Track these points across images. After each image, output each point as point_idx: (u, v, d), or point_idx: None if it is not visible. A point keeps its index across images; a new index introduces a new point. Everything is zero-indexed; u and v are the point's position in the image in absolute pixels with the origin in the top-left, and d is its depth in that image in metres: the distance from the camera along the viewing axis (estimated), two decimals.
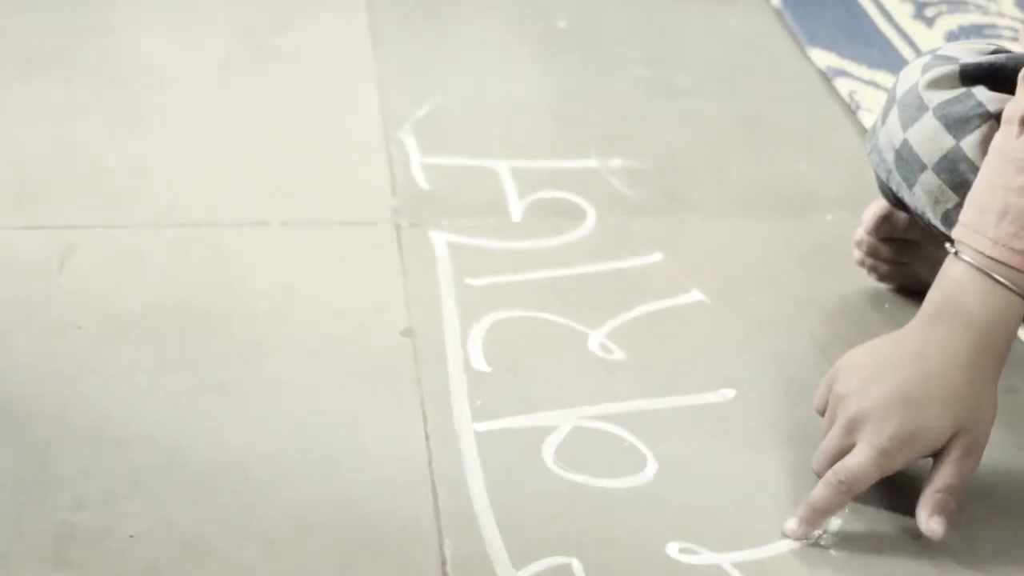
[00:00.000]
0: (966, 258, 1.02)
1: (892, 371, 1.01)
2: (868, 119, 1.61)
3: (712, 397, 1.18)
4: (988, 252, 1.01)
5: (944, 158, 1.10)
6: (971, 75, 1.11)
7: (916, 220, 1.18)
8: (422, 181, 1.48)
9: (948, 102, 1.10)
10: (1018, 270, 1.00)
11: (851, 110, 1.64)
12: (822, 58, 1.74)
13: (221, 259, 1.34)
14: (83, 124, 1.55)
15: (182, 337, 1.22)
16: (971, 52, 1.13)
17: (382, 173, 1.49)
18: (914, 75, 1.13)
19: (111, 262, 1.33)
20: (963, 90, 1.10)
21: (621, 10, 1.86)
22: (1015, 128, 1.02)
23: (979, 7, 1.88)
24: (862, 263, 1.32)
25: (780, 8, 1.87)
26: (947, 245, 1.04)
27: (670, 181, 1.50)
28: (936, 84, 1.11)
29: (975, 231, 1.02)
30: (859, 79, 1.69)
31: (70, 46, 1.70)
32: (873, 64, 1.73)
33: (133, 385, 1.15)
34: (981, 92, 1.09)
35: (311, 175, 1.48)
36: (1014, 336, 1.03)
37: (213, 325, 1.23)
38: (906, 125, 1.12)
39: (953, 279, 1.02)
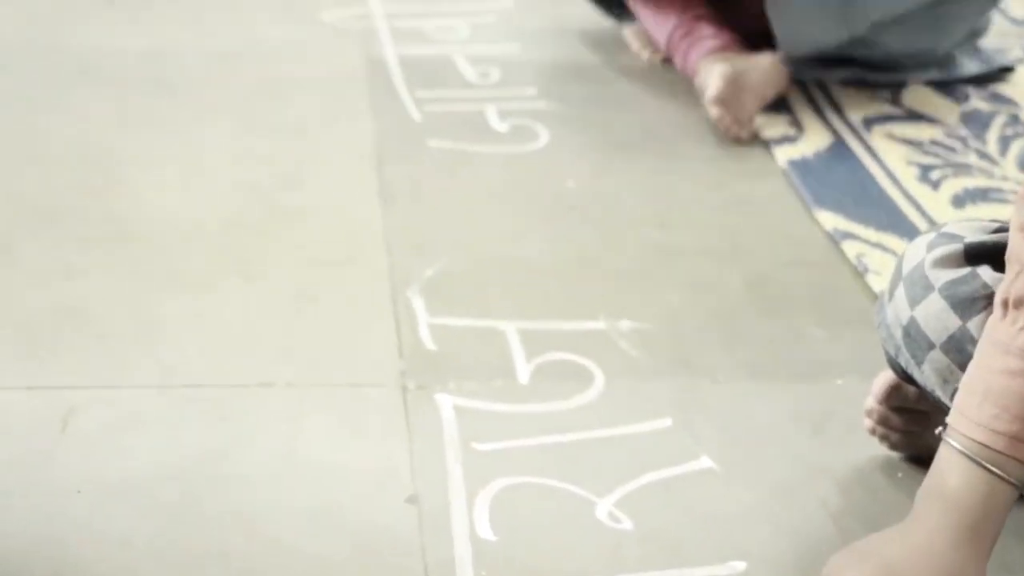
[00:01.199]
0: (952, 441, 1.02)
1: (879, 549, 1.02)
2: (876, 282, 1.59)
3: (721, 570, 1.15)
4: (971, 434, 1.02)
5: (951, 338, 1.10)
6: (975, 254, 1.11)
7: (926, 394, 1.16)
8: (429, 342, 1.46)
9: (954, 282, 1.10)
10: (1000, 452, 1.00)
11: (859, 273, 1.62)
12: (829, 220, 1.73)
13: (224, 422, 1.31)
14: (90, 282, 1.54)
15: (182, 503, 1.19)
16: (975, 230, 1.13)
17: (389, 333, 1.47)
18: (920, 252, 1.13)
19: (113, 424, 1.30)
20: (968, 270, 1.10)
21: (630, 170, 1.86)
22: (999, 311, 1.03)
23: (983, 171, 1.87)
24: (873, 432, 1.30)
25: (787, 170, 1.86)
26: (937, 429, 1.05)
27: (679, 344, 1.48)
28: (942, 263, 1.11)
29: (961, 413, 1.03)
30: (867, 241, 1.68)
31: (81, 205, 1.70)
32: (880, 227, 1.71)
33: (129, 555, 1.12)
34: (986, 272, 1.09)
35: (318, 335, 1.46)
36: (1003, 517, 1.02)
37: (214, 491, 1.21)
38: (913, 303, 1.12)
39: (941, 461, 1.03)
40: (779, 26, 1.94)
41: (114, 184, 1.76)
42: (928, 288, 1.11)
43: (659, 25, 2.07)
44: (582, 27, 2.33)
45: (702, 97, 1.94)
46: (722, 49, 1.99)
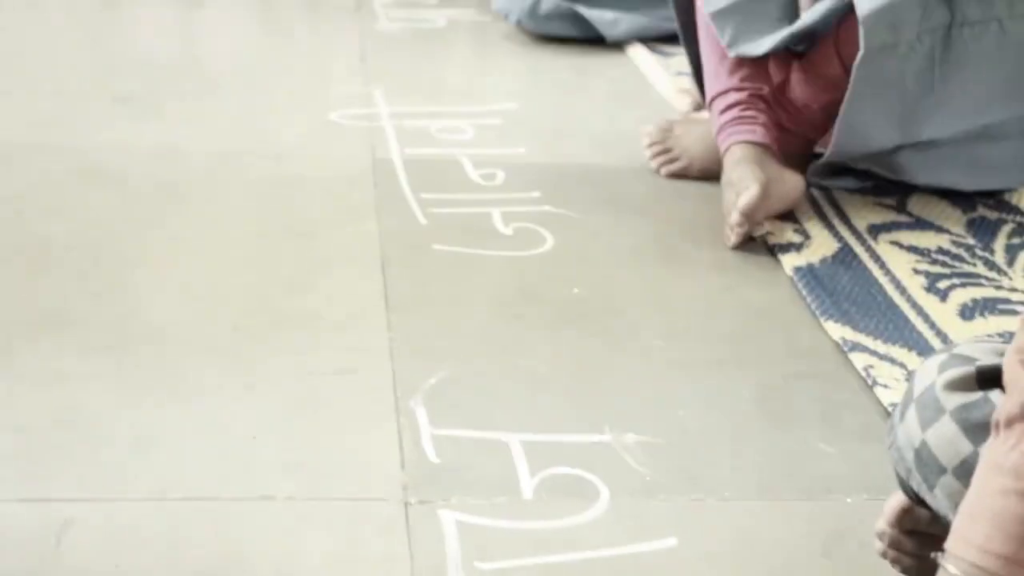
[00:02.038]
0: (947, 564, 1.00)
1: None
2: (885, 395, 1.56)
3: None
4: (966, 556, 0.99)
5: (963, 463, 1.08)
6: (988, 378, 1.09)
7: (939, 518, 1.14)
8: (432, 454, 1.43)
9: (966, 406, 1.08)
10: (995, 574, 0.97)
11: (868, 385, 1.59)
12: (837, 330, 1.71)
13: (223, 536, 1.28)
14: (89, 391, 1.51)
15: None
16: (988, 352, 1.11)
17: (392, 445, 1.44)
18: (931, 374, 1.12)
19: (110, 538, 1.27)
20: (980, 395, 1.08)
21: (636, 276, 1.84)
22: (993, 432, 1.01)
23: (992, 280, 1.85)
24: (884, 555, 1.26)
25: (794, 278, 1.84)
26: (933, 553, 1.02)
27: (685, 459, 1.45)
28: (953, 386, 1.09)
29: (957, 535, 1.00)
30: (875, 353, 1.65)
31: (83, 310, 1.67)
32: (889, 338, 1.69)
33: None
34: (998, 397, 1.07)
35: (320, 447, 1.43)
36: None
37: None
38: (924, 426, 1.10)
39: None
40: (844, 126, 1.91)
41: (115, 287, 1.74)
42: (940, 411, 1.09)
43: (716, 76, 2.04)
44: (588, 129, 2.34)
45: (726, 182, 1.93)
46: (761, 146, 1.97)
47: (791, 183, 1.95)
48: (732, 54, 1.97)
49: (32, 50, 2.67)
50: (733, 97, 2.00)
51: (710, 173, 2.04)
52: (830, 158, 1.96)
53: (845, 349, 1.66)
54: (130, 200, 1.97)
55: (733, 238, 1.88)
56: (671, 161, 2.08)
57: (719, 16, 1.98)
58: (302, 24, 2.94)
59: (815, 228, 1.97)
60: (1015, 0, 1.86)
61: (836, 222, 1.99)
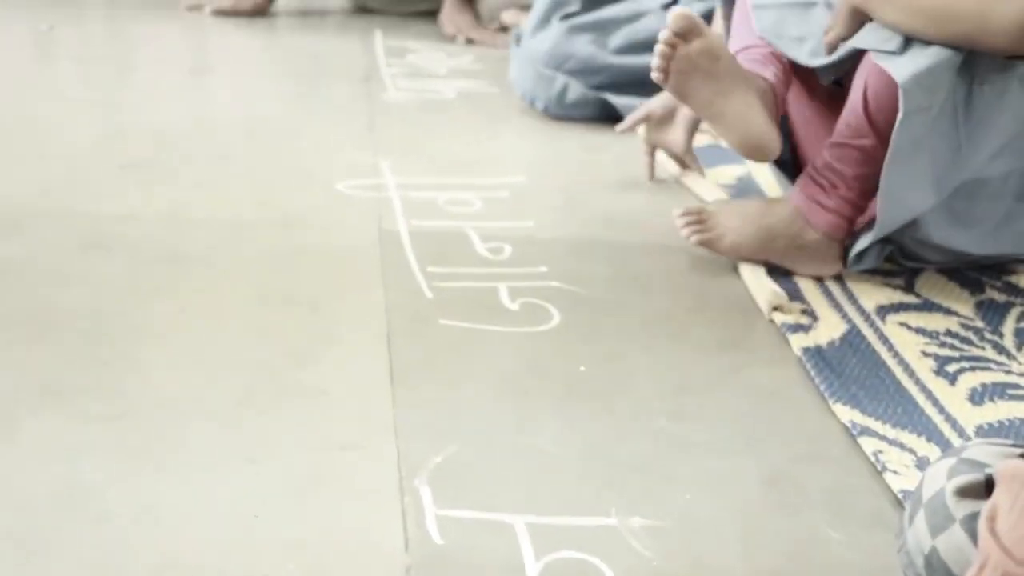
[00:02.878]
0: None
1: None
2: (895, 481, 1.54)
3: None
4: None
5: None
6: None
7: None
8: (436, 536, 1.41)
9: (975, 515, 1.06)
10: None
11: (877, 471, 1.57)
12: (846, 414, 1.68)
13: None
14: (92, 464, 1.48)
15: None
16: (996, 456, 1.10)
17: (395, 526, 1.41)
18: (940, 479, 1.10)
19: None
20: (990, 503, 1.06)
21: (644, 356, 1.82)
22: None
23: (1001, 365, 1.82)
24: None
25: (802, 359, 1.82)
26: None
27: (692, 544, 1.42)
28: (963, 493, 1.08)
29: None
30: (884, 438, 1.63)
31: (86, 380, 1.65)
32: (898, 423, 1.67)
33: None
34: None
35: (322, 527, 1.40)
36: None
37: None
38: (935, 532, 1.09)
39: None
40: (885, 194, 1.88)
41: (120, 358, 1.71)
42: (949, 519, 1.09)
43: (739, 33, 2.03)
44: (597, 205, 2.33)
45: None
46: (767, 83, 1.95)
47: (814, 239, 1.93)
48: (767, 40, 1.95)
49: (44, 115, 2.67)
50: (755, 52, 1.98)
51: (740, 249, 2.00)
52: (877, 235, 1.94)
53: (854, 433, 1.63)
54: (136, 268, 1.96)
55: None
56: (703, 229, 2.02)
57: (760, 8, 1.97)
58: (311, 93, 2.93)
59: (823, 308, 1.95)
60: None
61: (844, 302, 1.97)
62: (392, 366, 1.72)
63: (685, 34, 1.82)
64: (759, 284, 1.99)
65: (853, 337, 1.87)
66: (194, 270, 1.97)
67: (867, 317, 1.93)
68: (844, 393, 1.72)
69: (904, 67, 1.79)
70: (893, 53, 1.79)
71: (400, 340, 1.80)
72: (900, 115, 1.81)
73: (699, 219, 2.01)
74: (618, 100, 2.71)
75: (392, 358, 1.74)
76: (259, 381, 1.67)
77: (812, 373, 1.77)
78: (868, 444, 1.61)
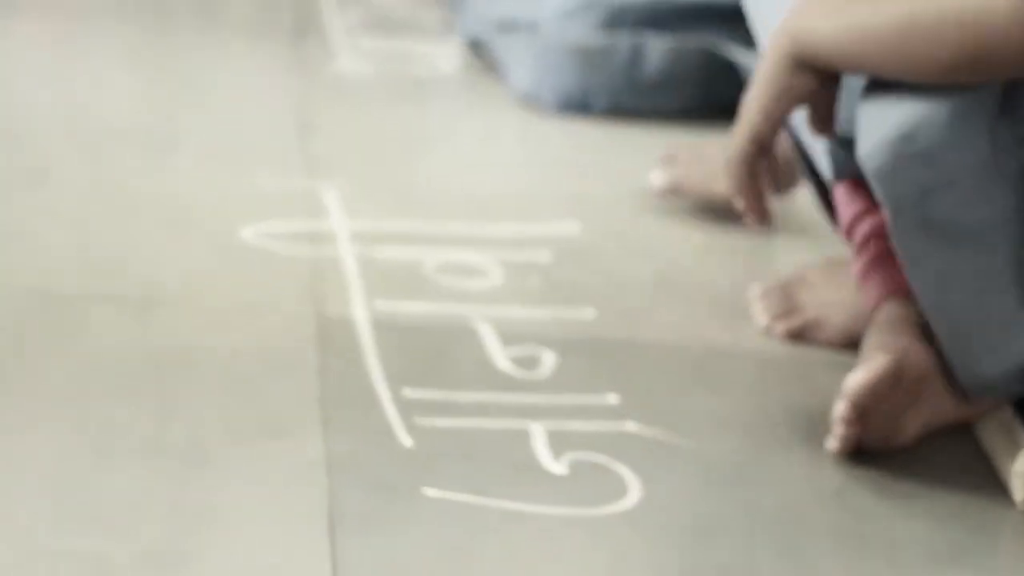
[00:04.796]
0: None
1: None
2: None
3: None
4: None
5: None
6: None
7: None
8: None
9: None
10: None
11: None
12: None
13: None
14: None
15: None
16: None
17: None
18: None
19: None
20: None
21: (794, 571, 1.79)
22: None
23: None
24: None
25: None
26: None
27: None
28: None
29: None
30: None
31: None
32: None
33: None
34: None
35: None
36: None
37: None
38: None
39: None
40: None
41: None
42: None
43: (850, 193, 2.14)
44: (708, 275, 2.39)
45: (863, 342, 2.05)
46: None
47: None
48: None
49: None
50: (878, 219, 2.08)
51: (855, 337, 2.10)
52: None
53: None
54: None
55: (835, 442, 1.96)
56: (790, 315, 2.22)
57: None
58: (194, 59, 3.07)
59: None
60: None
61: None
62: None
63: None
64: (1004, 440, 2.00)
65: None
66: None
67: None
68: None
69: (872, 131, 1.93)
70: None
71: (353, 529, 1.74)
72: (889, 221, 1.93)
73: (784, 297, 2.23)
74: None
75: (337, 563, 1.70)
76: None
77: None
78: None
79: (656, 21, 2.95)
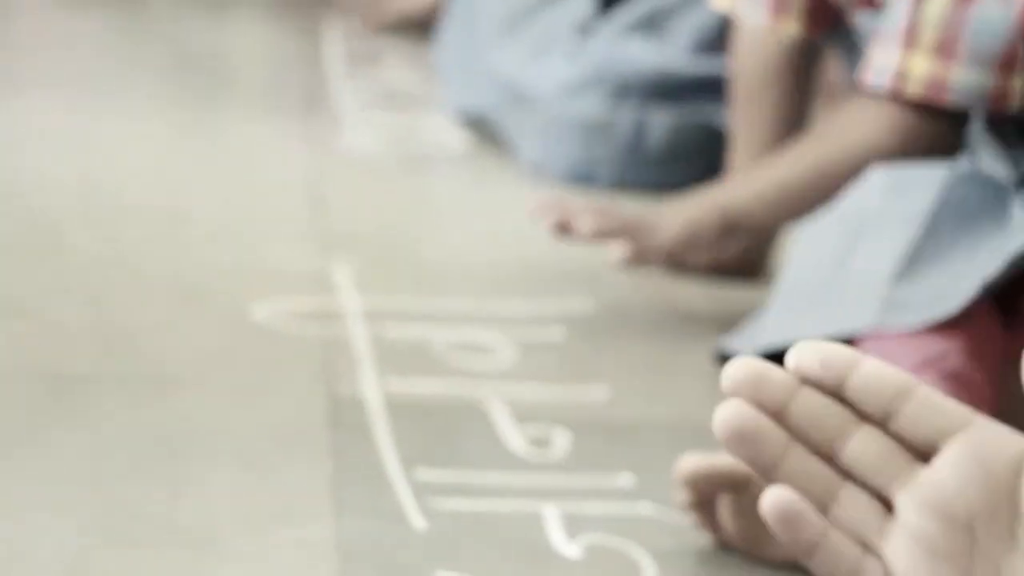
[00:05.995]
0: None
1: None
2: None
3: None
4: None
5: None
6: None
7: None
8: None
9: None
10: None
11: None
12: None
13: None
14: None
15: None
16: None
17: None
18: None
19: None
20: None
21: None
22: None
23: None
24: None
25: None
26: None
27: None
28: None
29: None
30: None
31: None
32: None
33: None
34: None
35: None
36: None
37: None
38: None
39: None
40: None
41: None
42: None
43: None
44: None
45: None
46: None
47: None
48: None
49: None
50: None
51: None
52: None
53: None
54: None
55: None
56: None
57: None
58: (204, 131, 3.07)
59: None
60: None
61: None
62: None
63: None
64: None
65: None
66: None
67: None
68: None
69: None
70: None
71: None
72: None
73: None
74: None
75: None
76: None
77: None
78: None
79: (660, 93, 2.96)
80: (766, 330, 2.22)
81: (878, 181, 2.26)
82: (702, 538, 1.92)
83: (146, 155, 2.97)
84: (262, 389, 2.17)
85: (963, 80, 2.33)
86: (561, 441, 2.10)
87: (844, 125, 2.45)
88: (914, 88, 2.33)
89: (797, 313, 2.23)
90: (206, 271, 2.49)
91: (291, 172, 2.86)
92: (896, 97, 2.35)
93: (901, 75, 2.34)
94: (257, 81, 3.37)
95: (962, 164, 2.31)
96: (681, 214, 2.50)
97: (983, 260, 2.17)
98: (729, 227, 2.44)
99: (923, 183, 2.23)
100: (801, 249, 2.31)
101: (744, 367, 1.12)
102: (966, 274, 2.15)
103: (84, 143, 3.01)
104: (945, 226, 2.21)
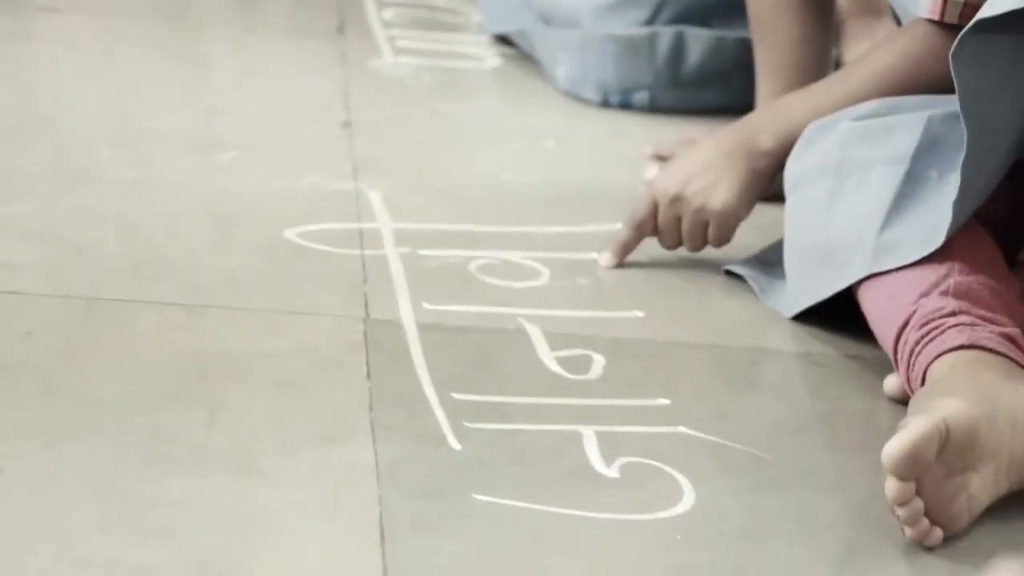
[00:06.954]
0: None
1: None
2: None
3: None
4: None
5: None
6: None
7: None
8: None
9: None
10: None
11: None
12: None
13: None
14: None
15: None
16: None
17: None
18: None
19: None
20: None
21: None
22: None
23: None
24: None
25: None
26: None
27: None
28: None
29: None
30: None
31: None
32: None
33: None
34: None
35: None
36: None
37: None
38: None
39: None
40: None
41: None
42: None
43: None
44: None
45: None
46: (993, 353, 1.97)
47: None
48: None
49: None
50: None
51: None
52: None
53: None
54: None
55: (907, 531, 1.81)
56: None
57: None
58: (232, 55, 3.10)
59: None
60: None
61: None
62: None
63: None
64: None
65: None
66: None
67: None
68: None
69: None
70: None
71: (402, 535, 1.73)
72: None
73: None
74: None
75: (387, 565, 1.68)
76: None
77: None
78: None
79: (696, 16, 2.95)
80: (785, 294, 2.30)
81: (853, 131, 2.27)
82: (739, 460, 1.94)
83: (177, 81, 2.97)
84: (297, 313, 2.17)
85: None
86: (597, 363, 2.11)
87: (898, 48, 2.42)
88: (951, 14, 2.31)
89: (804, 276, 2.26)
90: (239, 195, 2.49)
91: (324, 95, 2.85)
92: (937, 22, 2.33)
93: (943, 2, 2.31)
94: (289, 4, 3.35)
95: (942, 102, 2.29)
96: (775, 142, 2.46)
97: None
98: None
99: (900, 128, 2.25)
100: (791, 206, 2.29)
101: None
102: (948, 205, 2.14)
103: (114, 68, 3.02)
104: (925, 167, 2.22)
